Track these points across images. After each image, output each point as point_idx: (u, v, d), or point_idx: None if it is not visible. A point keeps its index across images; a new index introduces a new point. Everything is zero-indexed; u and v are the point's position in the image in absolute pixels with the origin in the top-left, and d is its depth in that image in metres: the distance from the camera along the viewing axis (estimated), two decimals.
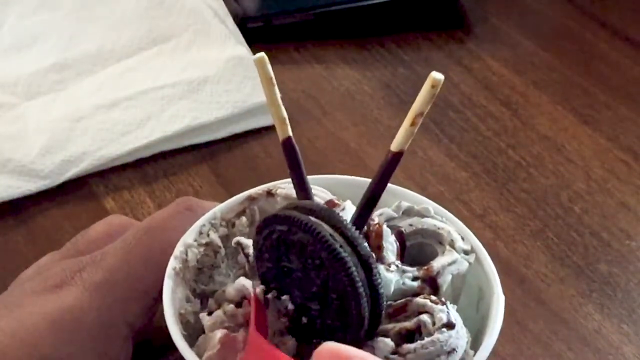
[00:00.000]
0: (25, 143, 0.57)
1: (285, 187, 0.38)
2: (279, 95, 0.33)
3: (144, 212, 0.55)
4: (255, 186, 0.40)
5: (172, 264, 0.36)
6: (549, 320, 0.48)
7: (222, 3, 0.71)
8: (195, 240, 0.37)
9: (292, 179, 0.34)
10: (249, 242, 0.36)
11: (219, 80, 0.62)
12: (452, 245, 0.36)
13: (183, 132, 0.59)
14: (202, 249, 0.37)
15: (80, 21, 0.69)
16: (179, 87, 0.62)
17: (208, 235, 0.37)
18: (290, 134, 0.34)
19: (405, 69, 0.67)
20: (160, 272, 0.36)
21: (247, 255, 0.36)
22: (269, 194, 0.39)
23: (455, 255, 0.36)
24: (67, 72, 0.64)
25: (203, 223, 0.38)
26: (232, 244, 0.37)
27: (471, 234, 0.37)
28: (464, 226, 0.38)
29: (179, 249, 0.36)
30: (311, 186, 0.34)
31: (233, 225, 0.38)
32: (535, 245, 0.53)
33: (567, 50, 0.71)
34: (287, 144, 0.34)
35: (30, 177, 0.55)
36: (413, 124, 0.31)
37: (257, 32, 0.70)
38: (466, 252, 0.36)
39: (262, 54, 0.33)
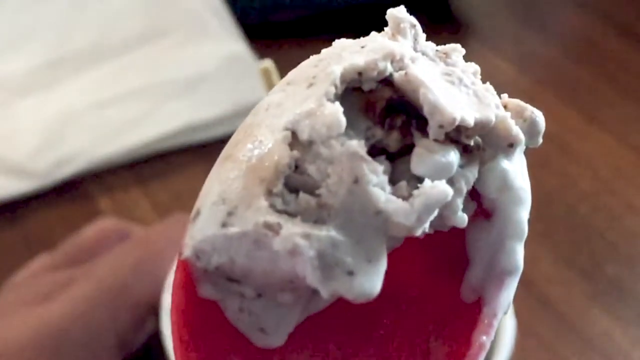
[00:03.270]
0: (18, 142, 0.57)
1: None
2: None
3: (139, 213, 0.54)
4: None
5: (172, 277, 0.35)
6: (555, 324, 0.47)
7: None
8: None
9: None
10: None
11: (216, 77, 0.61)
12: None
13: (179, 131, 0.58)
14: None
15: (74, 17, 0.68)
16: (175, 84, 0.61)
17: None
18: None
19: None
20: (151, 283, 0.36)
21: None
22: None
23: None
24: (60, 70, 0.63)
25: None
26: None
27: None
28: None
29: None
30: None
31: None
32: (540, 246, 0.52)
33: (573, 48, 0.71)
34: None
35: (23, 176, 0.55)
36: None
37: (255, 28, 0.69)
38: None
39: (268, 63, 0.31)
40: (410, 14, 0.20)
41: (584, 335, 0.47)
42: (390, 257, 0.18)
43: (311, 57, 0.19)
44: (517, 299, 0.42)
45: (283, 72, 0.32)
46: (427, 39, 0.21)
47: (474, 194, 0.19)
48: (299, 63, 0.20)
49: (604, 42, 0.71)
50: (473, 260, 0.19)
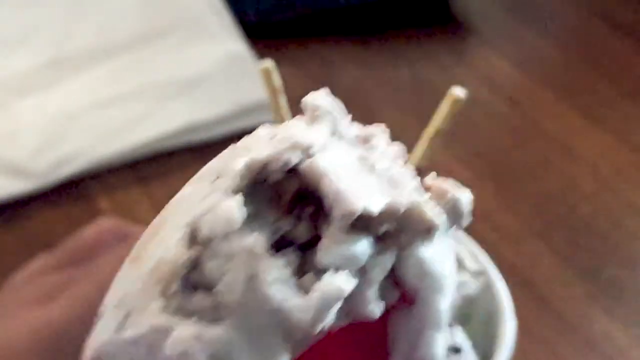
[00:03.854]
0: (18, 142, 0.57)
1: None
2: (286, 106, 0.31)
3: (140, 214, 0.54)
4: None
5: None
6: (555, 324, 0.47)
7: None
8: None
9: None
10: None
11: (216, 77, 0.61)
12: (461, 265, 0.35)
13: (179, 131, 0.58)
14: None
15: (74, 16, 0.68)
16: (175, 84, 0.61)
17: None
18: None
19: (408, 66, 0.66)
20: None
21: None
22: None
23: (463, 277, 0.34)
24: (60, 69, 0.63)
25: None
26: None
27: (483, 254, 0.36)
28: (475, 246, 0.36)
29: None
30: None
31: None
32: (540, 247, 0.52)
33: (574, 47, 0.70)
34: None
35: (23, 176, 0.55)
36: (429, 146, 0.29)
37: (255, 28, 0.69)
38: (477, 273, 0.35)
39: (268, 63, 0.31)
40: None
41: (584, 335, 0.47)
42: (311, 347, 0.17)
43: (230, 146, 0.19)
44: (517, 299, 0.42)
45: (283, 72, 0.32)
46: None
47: (398, 280, 0.18)
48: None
49: (604, 42, 0.70)
50: (393, 349, 0.19)
